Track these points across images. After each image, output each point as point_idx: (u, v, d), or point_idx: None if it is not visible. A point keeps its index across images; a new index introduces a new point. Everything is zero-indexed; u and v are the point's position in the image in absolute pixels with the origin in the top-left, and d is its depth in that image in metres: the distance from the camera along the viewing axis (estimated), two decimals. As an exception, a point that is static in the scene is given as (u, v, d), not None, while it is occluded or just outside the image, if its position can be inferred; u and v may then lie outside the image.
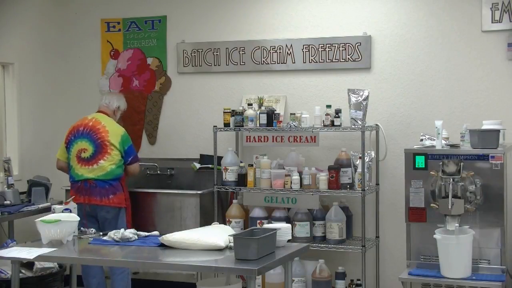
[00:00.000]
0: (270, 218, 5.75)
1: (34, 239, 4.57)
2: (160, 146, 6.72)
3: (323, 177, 5.62)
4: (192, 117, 6.60)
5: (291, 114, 5.81)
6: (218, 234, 4.17)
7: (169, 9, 6.64)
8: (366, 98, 5.56)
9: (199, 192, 5.88)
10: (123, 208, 5.63)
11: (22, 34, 6.61)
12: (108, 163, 5.58)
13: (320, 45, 6.08)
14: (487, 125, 5.15)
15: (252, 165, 5.84)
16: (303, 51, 6.14)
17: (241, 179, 5.84)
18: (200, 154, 6.38)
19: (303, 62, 6.15)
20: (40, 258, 4.14)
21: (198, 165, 6.28)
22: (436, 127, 5.09)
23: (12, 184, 5.95)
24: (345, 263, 5.85)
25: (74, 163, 5.67)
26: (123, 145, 5.67)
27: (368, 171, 5.63)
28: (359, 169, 5.54)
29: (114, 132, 5.67)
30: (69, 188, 6.39)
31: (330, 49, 6.06)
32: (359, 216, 5.62)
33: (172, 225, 5.78)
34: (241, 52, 6.35)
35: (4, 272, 5.49)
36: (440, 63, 5.81)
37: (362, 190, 5.51)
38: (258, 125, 5.85)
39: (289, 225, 4.38)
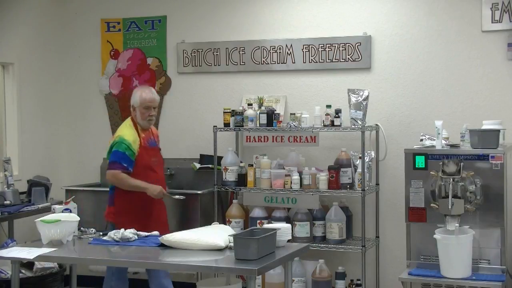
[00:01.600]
0: (270, 218, 5.75)
1: (34, 239, 4.57)
2: (160, 146, 6.70)
3: (323, 177, 5.62)
4: (192, 117, 6.60)
5: (291, 114, 5.82)
6: (218, 234, 4.17)
7: (169, 9, 6.64)
8: (366, 98, 5.56)
9: (199, 192, 5.88)
10: (109, 223, 5.20)
11: (22, 34, 6.61)
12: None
13: (320, 45, 6.09)
14: (487, 125, 5.15)
15: (252, 165, 5.84)
16: (303, 51, 6.14)
17: (241, 179, 5.84)
18: (200, 154, 6.38)
19: (303, 62, 6.15)
20: (40, 258, 4.14)
21: (198, 165, 6.28)
22: (436, 127, 5.09)
23: (12, 184, 5.95)
24: (345, 263, 5.85)
25: None
26: (109, 152, 5.19)
27: (368, 171, 5.64)
28: (359, 169, 5.54)
29: (112, 140, 5.26)
30: (70, 188, 6.43)
31: (330, 49, 6.06)
32: (359, 216, 5.62)
33: (172, 225, 5.77)
34: (241, 52, 6.35)
35: (4, 272, 5.49)
36: (440, 63, 5.81)
37: (362, 190, 5.51)
38: (258, 125, 5.85)
39: (289, 225, 4.38)
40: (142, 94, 5.24)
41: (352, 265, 5.91)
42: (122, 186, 5.12)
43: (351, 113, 5.58)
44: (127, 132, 5.20)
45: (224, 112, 5.96)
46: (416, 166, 5.01)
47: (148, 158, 5.19)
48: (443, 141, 5.14)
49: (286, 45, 6.19)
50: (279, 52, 6.22)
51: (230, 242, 4.08)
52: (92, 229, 4.72)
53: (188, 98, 6.61)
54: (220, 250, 4.05)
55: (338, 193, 5.63)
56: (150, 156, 5.22)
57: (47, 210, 5.70)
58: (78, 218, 4.47)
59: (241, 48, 6.35)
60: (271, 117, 5.81)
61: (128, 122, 5.26)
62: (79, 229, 4.61)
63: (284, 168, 5.80)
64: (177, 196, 5.17)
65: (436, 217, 4.92)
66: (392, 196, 5.87)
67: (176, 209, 5.91)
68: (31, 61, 6.70)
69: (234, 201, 5.92)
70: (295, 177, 5.68)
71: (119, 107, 6.83)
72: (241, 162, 5.96)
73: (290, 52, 6.19)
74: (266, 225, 4.49)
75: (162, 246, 4.20)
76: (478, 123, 5.30)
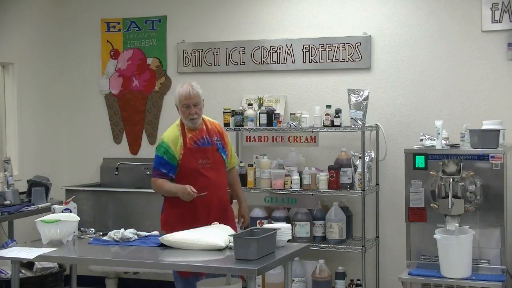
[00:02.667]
0: (270, 218, 5.75)
1: (34, 239, 4.57)
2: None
3: (323, 177, 5.62)
4: (192, 117, 6.59)
5: (291, 114, 5.82)
6: (218, 234, 4.16)
7: (169, 9, 6.64)
8: (366, 98, 5.56)
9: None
10: (163, 232, 4.57)
11: (22, 34, 6.61)
12: None
13: (320, 45, 6.08)
14: (487, 125, 5.15)
15: (252, 165, 5.84)
16: (303, 51, 6.14)
17: (241, 179, 5.82)
18: (200, 154, 6.37)
19: (303, 62, 6.15)
20: (40, 258, 4.14)
21: (198, 165, 6.26)
22: (436, 127, 5.09)
23: (12, 184, 5.95)
24: (345, 263, 5.85)
25: None
26: None
27: (368, 171, 5.63)
28: (359, 169, 5.54)
29: None
30: (70, 188, 6.43)
31: (330, 49, 6.06)
32: (359, 216, 5.62)
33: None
34: (241, 52, 6.35)
35: (4, 272, 5.49)
36: (440, 63, 5.81)
37: (362, 190, 5.51)
38: (258, 125, 5.85)
39: (289, 225, 4.37)
40: (179, 89, 4.71)
41: (352, 265, 5.91)
42: (162, 194, 4.75)
43: (351, 113, 5.58)
44: (168, 132, 4.77)
45: (224, 112, 5.96)
46: (416, 166, 5.01)
47: (193, 160, 4.67)
48: (443, 141, 5.14)
49: (286, 45, 6.19)
50: (279, 52, 6.22)
51: (230, 242, 4.07)
52: (92, 229, 4.72)
53: (188, 98, 6.60)
54: (220, 250, 4.05)
55: (338, 193, 5.62)
56: (197, 158, 4.68)
57: (47, 210, 5.69)
58: (78, 218, 4.47)
59: (241, 48, 6.35)
60: (271, 117, 5.81)
61: (178, 120, 4.82)
62: (79, 229, 4.61)
63: (284, 168, 5.80)
64: (202, 194, 4.58)
65: (436, 217, 4.92)
66: (392, 196, 5.87)
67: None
68: (31, 61, 6.69)
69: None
70: (295, 177, 5.68)
71: (119, 107, 6.83)
72: (241, 162, 5.95)
73: (290, 52, 6.19)
74: (266, 225, 4.49)
75: (162, 246, 4.20)
76: (478, 123, 5.30)
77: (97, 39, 6.89)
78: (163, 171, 4.65)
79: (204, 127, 4.79)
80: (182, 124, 4.75)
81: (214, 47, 6.44)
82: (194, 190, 4.53)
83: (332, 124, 5.63)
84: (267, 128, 5.81)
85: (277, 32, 6.26)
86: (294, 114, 5.78)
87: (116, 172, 6.54)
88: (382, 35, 5.95)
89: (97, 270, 6.35)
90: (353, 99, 5.57)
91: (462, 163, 4.80)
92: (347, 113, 5.61)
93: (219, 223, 4.53)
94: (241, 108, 6.04)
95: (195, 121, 4.70)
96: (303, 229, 5.65)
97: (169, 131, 4.77)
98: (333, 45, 6.05)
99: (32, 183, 6.08)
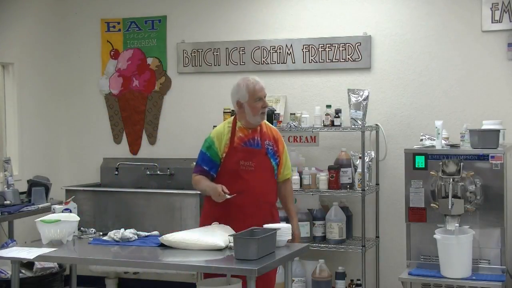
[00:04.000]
0: (270, 218, 5.74)
1: (34, 239, 4.57)
2: (160, 146, 6.72)
3: (323, 177, 5.62)
4: (192, 117, 6.60)
5: (291, 114, 5.82)
6: (218, 234, 4.16)
7: (169, 9, 6.64)
8: (366, 98, 5.56)
9: (199, 192, 5.87)
10: None
11: (22, 34, 6.61)
12: None
13: (320, 45, 6.09)
14: (487, 125, 5.16)
15: (252, 165, 5.83)
16: (303, 51, 6.14)
17: (241, 179, 5.83)
18: (200, 154, 6.37)
19: (303, 62, 6.15)
20: (40, 258, 4.13)
21: (198, 165, 6.26)
22: (436, 127, 5.09)
23: (12, 184, 5.94)
24: (345, 263, 5.85)
25: None
26: None
27: (368, 171, 5.63)
28: (359, 169, 5.54)
29: None
30: (70, 188, 6.43)
31: (330, 49, 6.06)
32: (359, 216, 5.62)
33: (172, 225, 5.78)
34: (241, 52, 6.35)
35: (4, 272, 5.49)
36: (440, 63, 5.81)
37: (362, 190, 5.51)
38: (258, 125, 5.84)
39: (289, 225, 4.37)
40: (249, 85, 4.48)
41: (352, 265, 5.91)
42: (199, 191, 4.55)
43: (351, 113, 5.58)
44: (216, 128, 4.59)
45: (224, 112, 5.96)
46: (416, 166, 5.01)
47: (235, 160, 4.45)
48: (443, 141, 5.14)
49: (286, 45, 6.19)
50: (279, 52, 6.23)
51: (230, 242, 4.07)
52: (92, 229, 4.72)
53: (188, 98, 6.62)
54: (220, 250, 4.05)
55: (338, 193, 5.63)
56: (239, 159, 4.45)
57: (47, 210, 5.69)
58: (78, 218, 4.47)
59: (241, 48, 6.35)
60: (271, 117, 5.81)
61: (230, 118, 4.65)
62: (79, 229, 4.60)
63: (284, 168, 5.79)
64: (231, 196, 4.36)
65: (436, 217, 4.92)
66: (392, 196, 5.87)
67: (176, 209, 5.92)
68: (31, 61, 6.69)
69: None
70: (295, 177, 5.67)
71: (119, 107, 6.84)
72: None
73: (290, 52, 6.19)
74: (266, 225, 4.49)
75: (162, 246, 4.19)
76: (478, 123, 5.30)
77: (97, 39, 6.89)
78: (205, 168, 4.50)
79: (259, 128, 4.57)
80: (234, 122, 4.54)
81: (214, 47, 6.44)
82: (226, 191, 4.31)
83: (332, 124, 5.63)
84: (267, 128, 5.80)
85: (277, 32, 6.26)
86: (294, 114, 5.78)
87: (116, 172, 6.54)
88: (382, 35, 5.96)
89: (97, 270, 6.35)
90: (353, 99, 5.57)
91: (462, 163, 4.80)
92: (347, 113, 5.62)
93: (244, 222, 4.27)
94: (241, 108, 6.04)
95: (264, 116, 4.55)
96: (303, 229, 5.63)
97: (218, 127, 4.60)
98: (333, 45, 6.05)
99: (32, 183, 6.07)
